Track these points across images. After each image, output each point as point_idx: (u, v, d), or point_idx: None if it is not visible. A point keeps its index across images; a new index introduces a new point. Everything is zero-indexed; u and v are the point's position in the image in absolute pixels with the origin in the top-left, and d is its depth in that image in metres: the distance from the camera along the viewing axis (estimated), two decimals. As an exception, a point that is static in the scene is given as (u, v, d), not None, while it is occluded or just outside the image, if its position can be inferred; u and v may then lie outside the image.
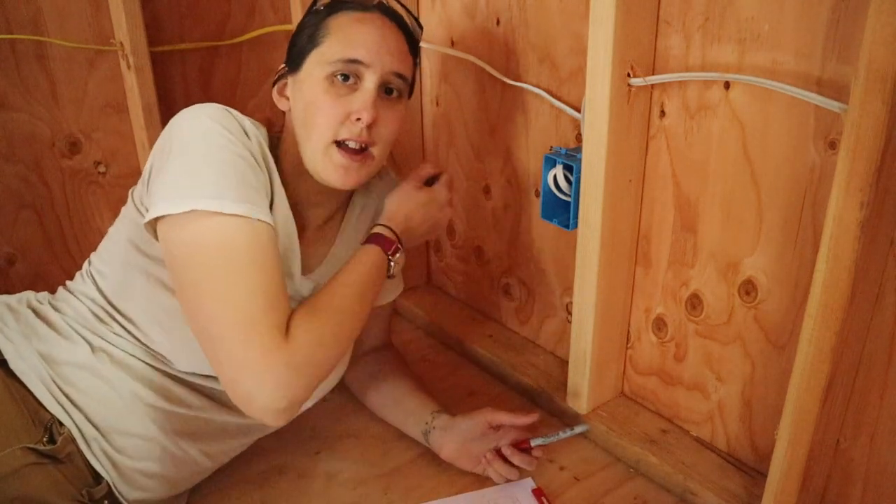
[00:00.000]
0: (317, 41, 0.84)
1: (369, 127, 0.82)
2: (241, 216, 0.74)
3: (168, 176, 0.76)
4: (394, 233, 0.89)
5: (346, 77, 0.82)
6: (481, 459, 0.95)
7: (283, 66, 0.89)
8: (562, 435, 0.99)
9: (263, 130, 0.86)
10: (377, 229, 0.89)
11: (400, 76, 0.85)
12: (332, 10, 0.85)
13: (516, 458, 0.94)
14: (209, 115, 0.78)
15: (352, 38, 0.82)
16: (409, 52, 0.88)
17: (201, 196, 0.73)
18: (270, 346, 0.72)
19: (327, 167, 0.83)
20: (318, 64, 0.83)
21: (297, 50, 0.86)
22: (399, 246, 0.89)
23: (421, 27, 0.93)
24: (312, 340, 0.75)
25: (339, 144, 0.83)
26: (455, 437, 0.97)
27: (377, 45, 0.82)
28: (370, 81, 0.82)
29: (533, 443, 0.96)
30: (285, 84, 0.88)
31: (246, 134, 0.80)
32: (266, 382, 0.71)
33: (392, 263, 0.88)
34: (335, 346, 0.78)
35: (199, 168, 0.75)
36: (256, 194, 0.77)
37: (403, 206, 0.92)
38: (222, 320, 0.72)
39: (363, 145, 0.83)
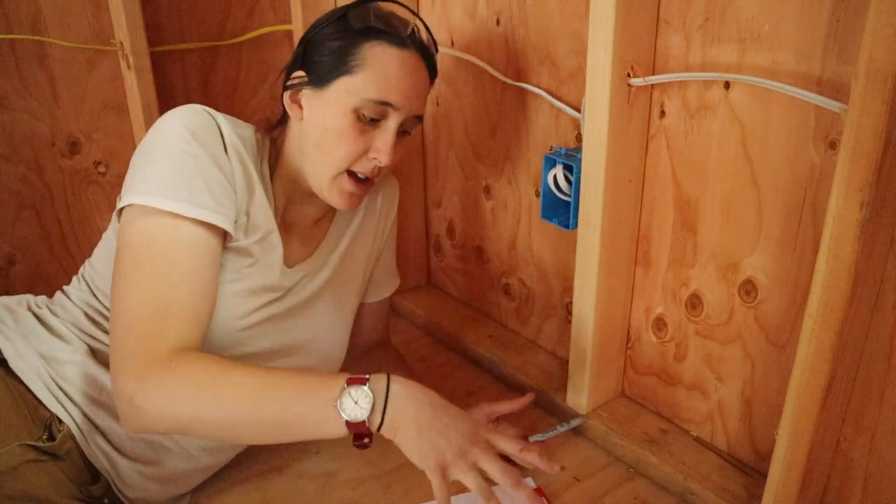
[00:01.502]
0: (349, 68, 0.82)
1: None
2: (171, 213, 0.75)
3: (128, 175, 0.80)
4: (386, 394, 0.71)
5: (373, 113, 0.82)
6: None
7: (301, 73, 0.85)
8: (559, 429, 0.99)
9: (249, 131, 0.86)
10: (375, 378, 0.72)
11: (419, 118, 0.87)
12: (368, 35, 0.82)
13: (519, 457, 0.94)
14: (184, 118, 0.79)
15: (389, 80, 0.82)
16: (430, 86, 0.89)
17: (140, 192, 0.76)
18: (137, 360, 0.71)
19: (333, 192, 0.86)
20: (348, 94, 0.82)
21: (323, 65, 0.83)
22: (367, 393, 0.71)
23: (437, 48, 0.92)
24: (176, 393, 0.70)
25: (350, 173, 0.85)
26: None
27: (409, 90, 0.83)
28: (393, 123, 0.83)
29: (531, 440, 0.96)
30: (299, 91, 0.86)
31: (222, 139, 0.81)
32: (120, 390, 0.72)
33: (343, 405, 0.69)
34: (193, 412, 0.71)
35: (150, 168, 0.77)
36: (202, 195, 0.77)
37: (418, 402, 0.73)
38: (119, 316, 0.74)
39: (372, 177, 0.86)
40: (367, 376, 0.72)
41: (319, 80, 0.84)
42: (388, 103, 0.82)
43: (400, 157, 0.88)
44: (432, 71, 0.90)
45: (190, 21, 1.29)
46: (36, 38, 1.16)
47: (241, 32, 1.35)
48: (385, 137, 0.83)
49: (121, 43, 1.20)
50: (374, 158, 0.84)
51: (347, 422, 0.70)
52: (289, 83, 0.87)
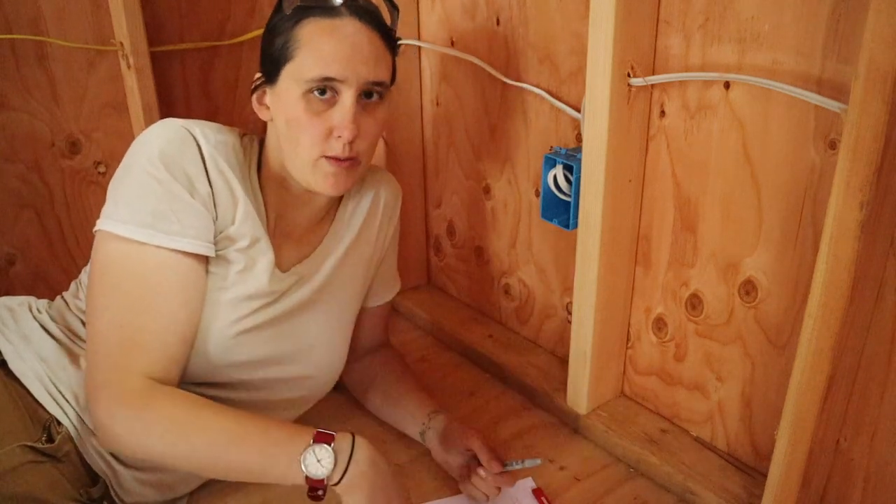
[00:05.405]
0: (289, 54, 0.80)
1: (351, 141, 0.81)
2: (137, 242, 0.77)
3: (107, 192, 0.81)
4: (349, 456, 0.74)
5: (322, 92, 0.80)
6: (459, 471, 0.94)
7: (259, 75, 0.86)
8: (515, 465, 0.91)
9: (232, 137, 0.85)
10: (340, 438, 0.74)
11: (379, 83, 0.83)
12: (299, 16, 0.80)
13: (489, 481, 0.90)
14: (159, 139, 0.80)
15: (323, 54, 0.79)
16: (387, 49, 0.84)
17: (109, 216, 0.78)
18: (108, 393, 0.75)
19: (317, 178, 0.83)
20: (293, 80, 0.80)
21: (271, 59, 0.83)
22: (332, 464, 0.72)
23: (396, 8, 0.89)
24: (144, 435, 0.73)
25: (327, 157, 0.82)
26: (440, 443, 0.96)
27: (349, 57, 0.79)
28: (348, 96, 0.80)
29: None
30: (264, 93, 0.86)
31: (200, 154, 0.80)
32: (94, 416, 0.76)
33: (305, 462, 0.72)
34: (162, 452, 0.74)
35: (119, 192, 0.79)
36: (166, 221, 0.77)
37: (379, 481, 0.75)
38: (91, 337, 0.77)
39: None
40: (334, 434, 0.74)
41: (272, 76, 0.83)
42: (331, 78, 0.79)
43: (377, 126, 0.85)
44: (383, 32, 0.84)
45: (190, 21, 1.29)
46: (36, 38, 1.16)
47: (241, 32, 1.35)
48: (342, 113, 0.80)
49: (121, 43, 1.19)
50: (338, 136, 0.81)
51: (307, 477, 0.72)
52: (252, 87, 0.87)
